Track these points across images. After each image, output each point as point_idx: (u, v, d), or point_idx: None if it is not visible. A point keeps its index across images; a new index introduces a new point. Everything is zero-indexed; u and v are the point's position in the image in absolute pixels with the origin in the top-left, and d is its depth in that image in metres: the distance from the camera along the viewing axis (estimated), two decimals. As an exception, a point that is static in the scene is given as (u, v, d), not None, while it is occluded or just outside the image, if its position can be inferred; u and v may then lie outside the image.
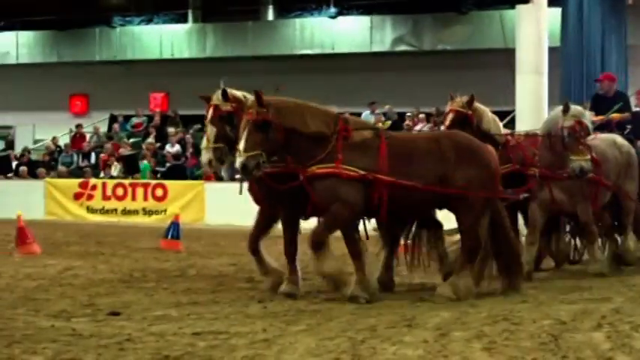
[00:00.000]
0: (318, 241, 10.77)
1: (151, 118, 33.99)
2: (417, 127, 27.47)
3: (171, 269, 13.23)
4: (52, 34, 37.82)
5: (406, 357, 7.62)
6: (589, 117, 12.92)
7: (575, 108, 12.68)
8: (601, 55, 23.37)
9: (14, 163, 31.58)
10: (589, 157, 12.33)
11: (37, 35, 38.14)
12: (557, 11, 22.63)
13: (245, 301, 10.77)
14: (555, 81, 22.38)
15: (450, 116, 12.87)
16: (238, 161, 10.51)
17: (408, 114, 28.83)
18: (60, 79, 37.56)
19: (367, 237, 11.69)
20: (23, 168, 30.09)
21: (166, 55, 35.70)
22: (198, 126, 28.30)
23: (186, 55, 35.65)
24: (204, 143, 11.86)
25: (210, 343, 8.21)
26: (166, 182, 26.87)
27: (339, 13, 33.87)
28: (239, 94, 11.71)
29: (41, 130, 36.63)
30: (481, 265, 11.47)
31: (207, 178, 26.05)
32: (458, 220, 11.45)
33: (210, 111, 11.50)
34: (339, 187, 10.85)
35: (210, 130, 11.48)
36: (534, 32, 21.85)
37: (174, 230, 16.14)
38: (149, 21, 36.81)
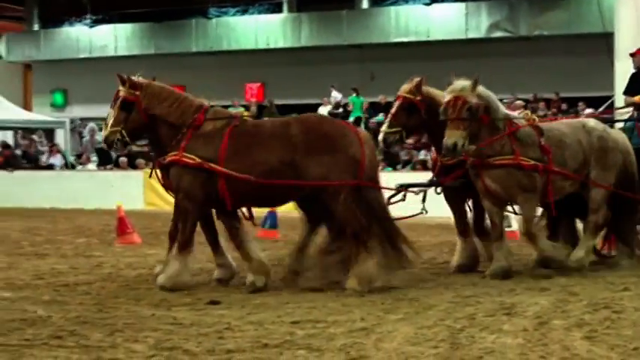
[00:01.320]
0: (183, 242, 10.95)
1: (247, 108, 34.17)
2: (515, 113, 27.22)
3: (269, 258, 13.27)
4: (149, 27, 38.29)
5: (505, 346, 7.56)
6: (485, 94, 11.56)
7: (457, 83, 11.47)
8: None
9: (114, 155, 31.97)
10: (465, 134, 11.08)
11: (134, 28, 38.65)
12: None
13: (342, 289, 10.76)
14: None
15: (397, 103, 12.05)
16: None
17: (505, 101, 28.57)
18: (157, 71, 37.49)
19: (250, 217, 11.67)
20: (123, 159, 30.43)
21: (261, 46, 35.88)
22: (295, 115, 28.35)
23: (281, 44, 35.75)
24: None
25: (308, 332, 8.22)
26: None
27: (434, 0, 33.76)
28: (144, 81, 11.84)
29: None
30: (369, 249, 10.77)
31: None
32: (328, 208, 11.06)
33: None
34: (182, 176, 11.04)
35: (109, 114, 11.73)
36: (634, 15, 21.47)
37: (271, 220, 16.22)
38: (244, 11, 37.03)
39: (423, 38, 33.25)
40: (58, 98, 42.03)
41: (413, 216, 12.32)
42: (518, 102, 27.76)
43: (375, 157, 11.56)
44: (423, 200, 12.32)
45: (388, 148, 13.69)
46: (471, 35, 32.69)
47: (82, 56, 39.69)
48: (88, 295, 10.45)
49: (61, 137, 35.00)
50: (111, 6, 39.20)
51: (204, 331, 8.28)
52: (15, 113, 34.72)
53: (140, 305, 9.77)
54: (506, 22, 32.41)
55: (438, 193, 12.54)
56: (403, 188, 12.19)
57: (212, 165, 10.88)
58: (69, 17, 40.21)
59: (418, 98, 11.81)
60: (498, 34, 32.29)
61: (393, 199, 12.08)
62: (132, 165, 30.43)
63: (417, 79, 12.02)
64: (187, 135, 11.12)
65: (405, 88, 12.09)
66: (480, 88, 11.51)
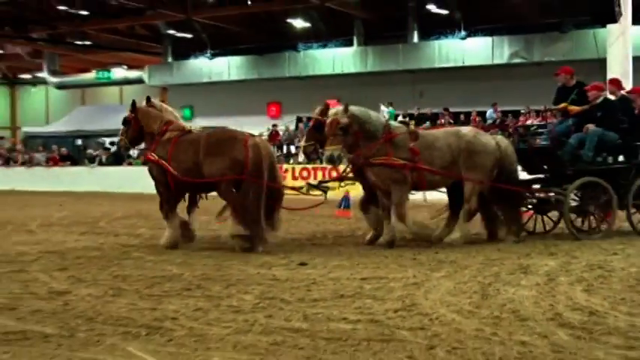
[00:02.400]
0: (165, 213, 12.16)
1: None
2: (529, 122, 27.01)
3: (344, 231, 13.30)
4: (253, 58, 38.54)
5: (522, 296, 7.52)
6: (357, 113, 11.60)
7: (332, 109, 11.71)
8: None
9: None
10: (340, 147, 11.38)
11: (242, 59, 38.93)
12: (639, 28, 21.89)
13: (399, 253, 10.78)
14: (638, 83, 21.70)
15: (310, 123, 12.41)
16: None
17: (522, 111, 28.38)
18: (259, 92, 38.26)
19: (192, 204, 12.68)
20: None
21: (337, 71, 35.95)
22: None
23: (352, 70, 35.79)
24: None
25: (374, 286, 8.25)
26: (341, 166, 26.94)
27: (468, 35, 33.57)
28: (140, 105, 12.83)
29: (246, 129, 37.22)
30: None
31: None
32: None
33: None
34: (152, 168, 12.25)
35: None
36: (621, 45, 21.22)
37: (345, 202, 16.20)
38: (324, 46, 37.08)
39: (460, 64, 33.08)
40: (187, 112, 42.35)
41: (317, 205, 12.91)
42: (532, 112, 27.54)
43: (260, 159, 11.45)
44: (325, 192, 13.08)
45: (308, 158, 13.73)
46: (496, 61, 32.44)
47: (204, 81, 40.08)
48: (209, 258, 10.58)
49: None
50: (225, 43, 39.52)
51: (296, 285, 8.35)
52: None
53: (248, 266, 9.86)
54: (523, 51, 32.15)
55: (342, 187, 13.32)
56: (311, 186, 13.33)
57: (162, 162, 11.95)
58: (194, 52, 40.60)
59: (326, 119, 11.75)
60: (517, 60, 31.99)
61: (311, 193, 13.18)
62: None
63: (322, 106, 12.25)
64: (156, 141, 12.24)
65: (316, 111, 12.36)
66: (353, 109, 11.62)
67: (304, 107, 36.06)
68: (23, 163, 35.42)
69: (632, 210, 12.75)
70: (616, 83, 13.68)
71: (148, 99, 12.89)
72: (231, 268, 9.68)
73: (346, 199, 16.24)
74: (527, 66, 32.06)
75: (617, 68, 21.28)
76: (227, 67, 39.18)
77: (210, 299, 7.63)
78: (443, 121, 29.76)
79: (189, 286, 8.36)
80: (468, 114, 29.71)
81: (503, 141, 12.60)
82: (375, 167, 11.71)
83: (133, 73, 44.26)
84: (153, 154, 12.15)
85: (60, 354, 5.66)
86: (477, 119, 28.48)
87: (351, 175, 12.66)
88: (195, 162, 11.68)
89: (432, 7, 33.21)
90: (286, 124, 35.83)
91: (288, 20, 36.12)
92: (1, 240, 13.17)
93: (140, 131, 12.56)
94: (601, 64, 22.07)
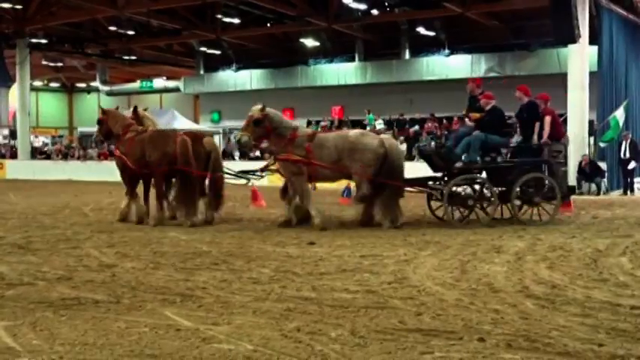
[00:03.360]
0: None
1: (332, 121, 34.20)
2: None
3: (347, 216, 13.27)
4: (271, 71, 38.52)
5: (495, 272, 7.50)
6: (271, 114, 12.09)
7: (253, 107, 12.20)
8: (625, 76, 22.67)
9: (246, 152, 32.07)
10: (248, 135, 11.94)
11: (262, 71, 38.89)
12: (595, 48, 21.76)
13: (391, 235, 10.76)
14: (594, 94, 21.64)
15: (247, 119, 12.24)
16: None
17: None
18: (276, 99, 37.84)
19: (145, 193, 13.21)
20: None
21: (342, 82, 35.92)
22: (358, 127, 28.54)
23: (353, 81, 35.74)
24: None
25: (371, 262, 8.24)
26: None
27: (451, 53, 33.53)
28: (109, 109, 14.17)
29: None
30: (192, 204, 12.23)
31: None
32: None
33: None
34: (118, 162, 13.14)
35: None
36: (580, 62, 21.20)
37: (348, 191, 16.17)
38: (331, 61, 37.01)
39: (444, 77, 32.99)
40: (215, 116, 42.49)
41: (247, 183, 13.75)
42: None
43: (187, 152, 12.13)
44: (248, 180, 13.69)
45: (245, 149, 13.81)
46: (474, 75, 32.31)
47: (230, 90, 40.02)
48: (233, 238, 10.57)
49: (217, 140, 35.43)
50: (248, 58, 39.54)
51: (306, 261, 8.35)
52: (189, 125, 35.24)
53: (265, 244, 9.87)
54: (497, 66, 32.08)
55: (262, 176, 13.64)
56: (242, 174, 13.53)
57: (123, 157, 12.81)
58: (222, 65, 40.56)
59: (260, 117, 12.03)
60: (492, 74, 31.87)
61: (239, 181, 13.64)
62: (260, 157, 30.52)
63: (260, 105, 12.26)
64: (121, 139, 13.05)
65: (253, 110, 12.32)
66: (268, 110, 12.10)
67: (314, 112, 36.27)
68: (78, 158, 35.46)
69: (517, 202, 12.37)
70: (524, 89, 13.24)
71: (134, 108, 14.10)
72: (252, 246, 9.68)
73: (348, 189, 16.23)
74: (501, 79, 31.93)
75: (576, 81, 21.25)
76: (249, 79, 39.14)
77: (234, 272, 7.62)
78: (430, 124, 29.74)
79: (216, 261, 8.36)
80: (450, 118, 29.64)
81: (389, 141, 12.59)
82: (280, 161, 12.25)
83: (171, 83, 44.25)
84: (117, 150, 13.26)
85: (108, 317, 5.66)
86: (458, 123, 28.38)
87: (273, 167, 13.01)
88: (141, 156, 12.54)
89: (421, 29, 33.12)
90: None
91: (301, 40, 36.08)
92: (60, 221, 13.18)
93: (109, 130, 13.48)
94: (563, 78, 22.02)
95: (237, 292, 6.58)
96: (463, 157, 12.48)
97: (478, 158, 12.42)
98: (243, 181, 13.80)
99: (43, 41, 37.50)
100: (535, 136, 12.56)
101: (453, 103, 32.11)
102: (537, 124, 12.57)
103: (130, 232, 11.45)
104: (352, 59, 36.41)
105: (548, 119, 12.51)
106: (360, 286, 6.77)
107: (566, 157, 13.06)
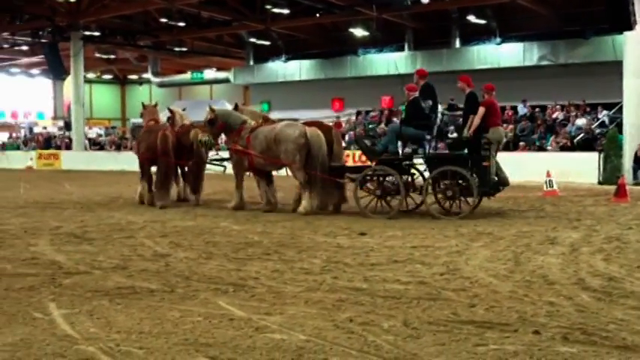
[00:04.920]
0: None
1: (381, 111, 34.05)
2: (554, 115, 26.54)
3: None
4: (320, 61, 38.46)
5: (550, 264, 7.39)
6: (220, 113, 13.61)
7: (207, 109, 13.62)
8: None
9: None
10: (207, 134, 13.39)
11: (311, 62, 38.86)
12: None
13: (443, 226, 10.68)
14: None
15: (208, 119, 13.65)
16: None
17: (549, 105, 27.86)
18: (325, 89, 38.19)
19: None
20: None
21: (391, 72, 35.56)
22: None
23: (403, 71, 35.34)
24: None
25: (422, 253, 8.20)
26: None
27: (502, 41, 33.00)
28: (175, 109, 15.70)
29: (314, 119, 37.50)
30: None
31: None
32: None
33: None
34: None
35: None
36: (636, 49, 20.67)
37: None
38: (380, 50, 36.81)
39: (495, 66, 32.52)
40: (265, 107, 42.57)
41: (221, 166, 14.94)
42: (557, 106, 26.98)
43: (166, 145, 14.03)
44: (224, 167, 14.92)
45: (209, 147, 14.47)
46: (527, 64, 31.84)
47: (279, 80, 40.15)
48: (284, 228, 10.62)
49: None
50: (297, 48, 39.57)
51: (357, 252, 8.34)
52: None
53: (316, 235, 9.89)
54: (550, 54, 31.46)
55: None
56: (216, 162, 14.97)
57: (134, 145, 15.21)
58: (271, 56, 40.67)
59: (211, 116, 13.49)
60: (545, 62, 31.35)
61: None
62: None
63: (208, 108, 13.69)
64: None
65: (206, 112, 13.71)
66: (217, 109, 13.69)
67: (363, 102, 36.15)
68: (131, 149, 35.97)
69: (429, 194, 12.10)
70: (466, 80, 12.87)
71: (170, 109, 15.46)
72: (303, 236, 9.70)
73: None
74: (554, 67, 31.38)
75: (632, 69, 20.76)
76: (298, 69, 39.19)
77: (285, 262, 7.65)
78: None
79: (267, 251, 8.40)
80: (502, 108, 29.20)
81: (312, 132, 12.75)
82: (230, 151, 13.75)
83: (221, 74, 44.63)
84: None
85: (163, 306, 5.73)
86: (510, 113, 28.06)
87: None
88: (137, 146, 15.08)
89: (471, 18, 32.70)
90: (348, 116, 35.77)
91: (350, 29, 35.93)
92: (114, 211, 13.41)
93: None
94: (618, 65, 21.54)
95: (289, 282, 6.61)
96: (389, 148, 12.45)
97: (400, 150, 12.59)
98: (220, 169, 15.26)
99: (96, 34, 38.14)
100: (465, 129, 12.20)
101: (504, 92, 31.81)
102: (472, 117, 12.17)
103: (182, 222, 11.58)
104: (402, 48, 36.15)
105: (481, 111, 12.07)
106: (411, 277, 6.74)
107: (489, 150, 11.94)
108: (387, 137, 12.74)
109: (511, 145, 23.69)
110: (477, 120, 11.98)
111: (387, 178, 12.36)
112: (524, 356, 4.38)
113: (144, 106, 15.74)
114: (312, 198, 12.60)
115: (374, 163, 12.49)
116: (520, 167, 21.47)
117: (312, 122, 13.75)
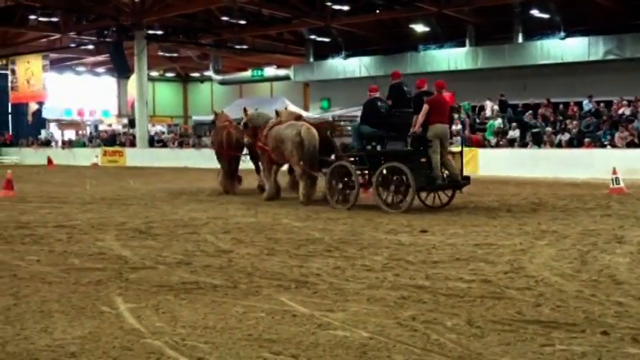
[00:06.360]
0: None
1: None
2: (620, 111, 25.91)
3: (458, 204, 13.09)
4: (380, 58, 38.25)
5: (618, 263, 7.23)
6: (250, 116, 15.51)
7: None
8: None
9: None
10: (247, 136, 15.49)
11: (372, 59, 38.57)
12: None
13: (506, 224, 10.53)
14: None
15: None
16: None
17: (615, 100, 27.19)
18: (385, 86, 37.82)
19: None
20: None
21: (452, 68, 35.28)
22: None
23: (464, 67, 35.09)
24: None
25: (485, 251, 8.10)
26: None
27: (567, 36, 32.31)
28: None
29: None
30: None
31: (478, 146, 25.66)
32: None
33: None
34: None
35: None
36: None
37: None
38: (441, 46, 36.48)
39: (559, 60, 31.91)
40: (325, 104, 42.71)
41: None
42: (624, 102, 26.30)
43: (231, 140, 16.83)
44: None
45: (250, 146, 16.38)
46: (592, 58, 31.12)
47: (339, 77, 40.13)
48: (345, 225, 10.62)
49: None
50: (357, 45, 39.50)
51: (419, 249, 8.29)
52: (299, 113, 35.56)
53: (377, 232, 9.87)
54: (616, 48, 30.68)
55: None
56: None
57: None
58: (331, 53, 40.71)
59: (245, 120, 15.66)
60: (610, 57, 30.62)
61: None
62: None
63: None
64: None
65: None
66: (250, 112, 15.56)
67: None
68: (193, 145, 36.51)
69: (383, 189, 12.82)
70: (420, 82, 13.90)
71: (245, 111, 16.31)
72: (364, 233, 9.69)
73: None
74: (620, 62, 30.60)
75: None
76: (358, 66, 39.01)
77: (347, 259, 7.66)
78: (543, 110, 28.81)
79: (329, 248, 8.42)
80: (566, 104, 28.69)
81: (306, 131, 13.79)
82: (257, 147, 15.10)
83: (282, 72, 44.81)
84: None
85: (226, 301, 5.79)
86: (575, 109, 27.51)
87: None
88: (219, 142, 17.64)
89: (534, 12, 32.15)
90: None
91: (410, 25, 35.73)
92: (177, 207, 13.61)
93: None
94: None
95: (351, 279, 6.61)
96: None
97: (368, 147, 13.10)
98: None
99: (160, 33, 38.81)
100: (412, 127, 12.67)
101: (569, 87, 31.26)
102: (415, 116, 12.72)
103: (244, 218, 11.69)
104: (463, 44, 35.74)
105: (425, 108, 12.47)
106: (475, 276, 6.67)
107: (432, 147, 12.45)
108: (352, 135, 13.80)
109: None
110: (420, 118, 12.53)
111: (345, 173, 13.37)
112: (592, 357, 4.29)
113: (216, 113, 18.79)
114: (308, 187, 13.87)
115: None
116: (585, 164, 21.10)
117: (317, 123, 15.48)
